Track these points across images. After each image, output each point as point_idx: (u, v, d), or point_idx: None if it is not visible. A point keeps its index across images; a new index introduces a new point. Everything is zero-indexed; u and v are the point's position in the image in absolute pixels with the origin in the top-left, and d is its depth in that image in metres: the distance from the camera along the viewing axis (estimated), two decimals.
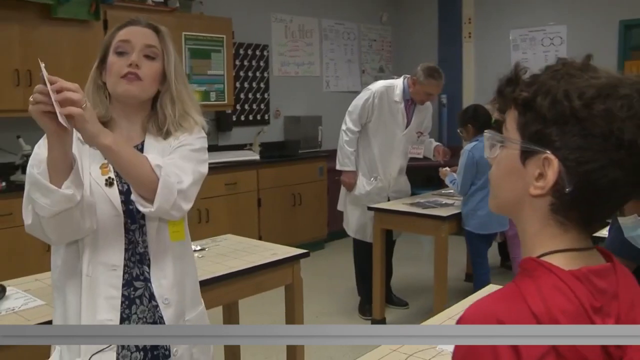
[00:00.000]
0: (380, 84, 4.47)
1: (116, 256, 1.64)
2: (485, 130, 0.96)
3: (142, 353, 1.67)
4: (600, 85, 0.84)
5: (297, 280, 2.90)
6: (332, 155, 5.27)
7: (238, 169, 5.68)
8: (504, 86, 0.92)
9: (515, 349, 0.79)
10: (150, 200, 1.56)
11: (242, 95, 6.43)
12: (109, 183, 1.64)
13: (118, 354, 1.63)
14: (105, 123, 1.64)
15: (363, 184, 4.55)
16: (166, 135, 1.73)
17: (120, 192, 1.65)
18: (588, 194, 0.86)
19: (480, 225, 3.85)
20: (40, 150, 1.53)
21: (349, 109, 4.46)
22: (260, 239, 5.52)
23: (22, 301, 2.18)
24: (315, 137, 6.81)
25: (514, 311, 0.82)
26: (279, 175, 6.05)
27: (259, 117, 6.63)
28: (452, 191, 4.33)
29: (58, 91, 1.38)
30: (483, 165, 3.74)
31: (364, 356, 1.74)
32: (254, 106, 6.58)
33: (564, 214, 0.89)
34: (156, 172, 1.56)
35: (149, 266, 1.69)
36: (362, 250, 4.60)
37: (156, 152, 1.69)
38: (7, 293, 2.23)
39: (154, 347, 1.69)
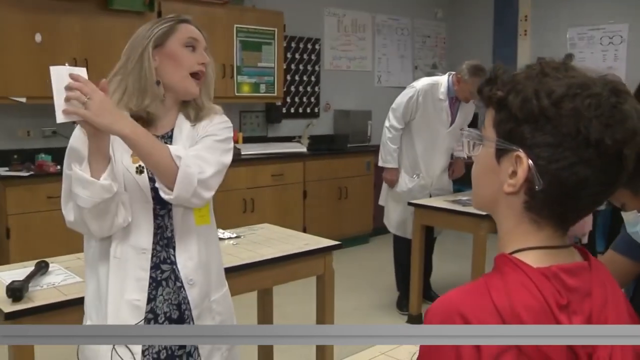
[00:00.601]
0: (424, 82, 4.46)
1: (145, 240, 1.73)
2: (462, 129, 0.99)
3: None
4: (570, 84, 0.85)
5: (328, 271, 2.95)
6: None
7: (285, 161, 5.77)
8: (484, 85, 0.93)
9: (476, 346, 0.81)
10: (171, 188, 1.64)
11: (292, 88, 6.51)
12: (139, 171, 1.73)
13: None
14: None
15: (405, 181, 4.56)
16: (196, 121, 1.82)
17: (150, 180, 1.73)
18: (559, 192, 0.87)
19: None
20: (78, 146, 1.65)
21: (393, 106, 4.47)
22: (304, 230, 5.60)
23: (62, 277, 2.31)
24: (364, 132, 6.83)
25: (477, 305, 0.84)
26: (325, 168, 6.10)
27: (308, 110, 6.70)
28: None
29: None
30: None
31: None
32: (304, 99, 6.66)
33: (537, 212, 0.90)
34: (176, 162, 1.63)
35: (174, 249, 1.77)
36: (401, 246, 4.61)
37: (185, 138, 1.78)
38: (49, 269, 2.37)
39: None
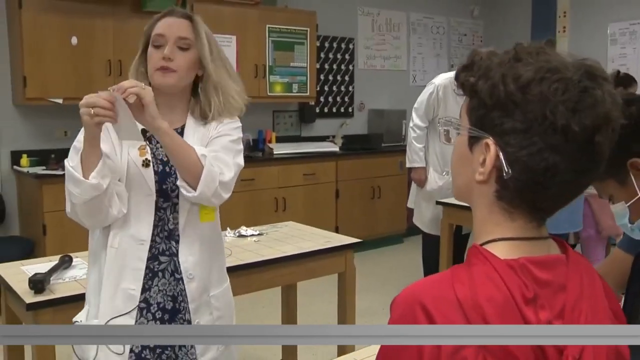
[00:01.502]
0: (443, 77, 4.44)
1: (145, 231, 1.77)
2: (440, 117, 0.98)
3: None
4: (539, 68, 0.82)
5: (349, 269, 2.95)
6: None
7: (317, 160, 5.78)
8: (460, 71, 0.90)
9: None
10: (194, 187, 1.70)
11: (326, 88, 6.52)
12: (146, 164, 1.77)
13: (136, 320, 1.76)
14: None
15: (435, 179, 4.52)
16: (207, 121, 1.84)
17: (155, 173, 1.79)
18: (529, 179, 0.84)
19: (551, 225, 3.71)
20: (80, 142, 1.69)
21: (415, 105, 4.47)
22: (336, 230, 5.61)
23: (85, 271, 2.37)
24: (398, 131, 6.79)
25: (439, 297, 0.82)
26: (358, 167, 6.09)
27: (342, 109, 6.70)
28: None
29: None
30: None
31: None
32: (338, 99, 6.66)
33: (509, 201, 0.88)
34: (201, 161, 1.69)
35: (177, 242, 1.80)
36: (432, 245, 4.57)
37: (195, 137, 1.81)
38: (73, 263, 2.44)
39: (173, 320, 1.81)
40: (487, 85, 0.84)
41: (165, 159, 1.81)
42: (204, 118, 1.84)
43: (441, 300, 0.81)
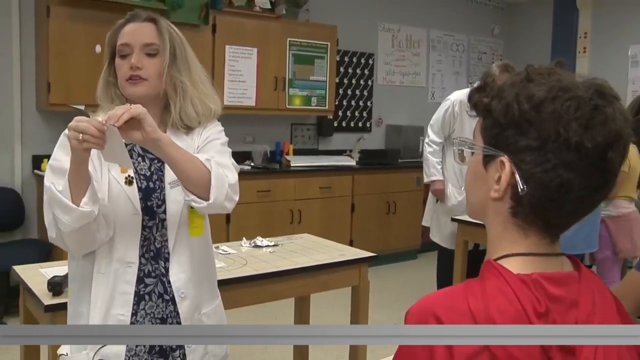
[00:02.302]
0: (458, 93, 4.50)
1: (132, 253, 1.67)
2: (455, 137, 1.00)
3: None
4: (551, 88, 0.85)
5: (363, 282, 2.96)
6: None
7: (333, 174, 5.80)
8: (474, 93, 0.94)
9: (448, 347, 0.81)
10: (204, 196, 1.60)
11: (344, 102, 6.56)
12: (129, 182, 1.67)
13: (127, 347, 1.66)
14: None
15: (454, 195, 4.53)
16: (188, 130, 1.75)
17: (139, 190, 1.68)
18: (543, 196, 0.86)
19: (565, 245, 3.70)
20: (61, 157, 1.58)
21: (431, 122, 4.52)
22: (351, 244, 5.61)
23: None
24: (416, 147, 6.79)
25: (452, 308, 0.84)
26: (374, 182, 6.10)
27: (360, 124, 6.73)
28: None
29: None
30: None
31: None
32: (356, 113, 6.69)
33: (523, 218, 0.90)
34: (207, 166, 1.60)
35: (165, 261, 1.71)
36: (448, 260, 4.56)
37: (182, 146, 1.67)
38: None
39: None
40: (501, 105, 0.88)
41: (148, 174, 1.71)
42: (184, 127, 1.74)
43: (454, 312, 0.84)
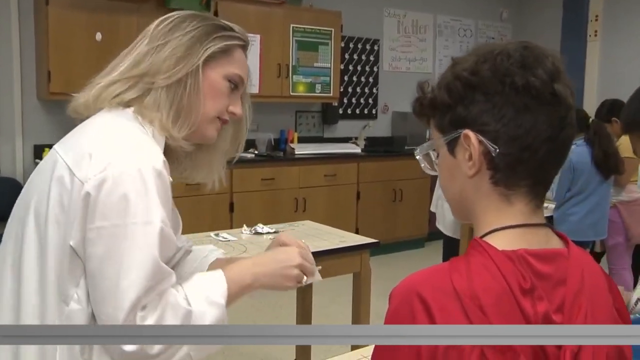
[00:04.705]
0: None
1: None
2: (415, 152, 0.99)
3: None
4: (478, 54, 0.89)
5: (365, 269, 2.90)
6: None
7: (338, 161, 5.74)
8: (415, 104, 0.97)
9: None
10: None
11: (349, 89, 6.48)
12: None
13: None
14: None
15: None
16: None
17: None
18: (515, 150, 0.86)
19: (572, 232, 3.63)
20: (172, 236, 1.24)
21: None
22: (357, 232, 5.55)
23: None
24: (422, 134, 6.71)
25: (436, 287, 0.83)
26: (380, 169, 6.04)
27: (366, 111, 6.65)
28: (547, 194, 4.13)
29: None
30: (579, 170, 3.63)
31: None
32: (362, 100, 6.61)
33: (505, 183, 0.89)
34: None
35: None
36: (453, 249, 4.50)
37: None
38: None
39: None
40: (443, 88, 0.90)
41: None
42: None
43: (438, 291, 0.82)
